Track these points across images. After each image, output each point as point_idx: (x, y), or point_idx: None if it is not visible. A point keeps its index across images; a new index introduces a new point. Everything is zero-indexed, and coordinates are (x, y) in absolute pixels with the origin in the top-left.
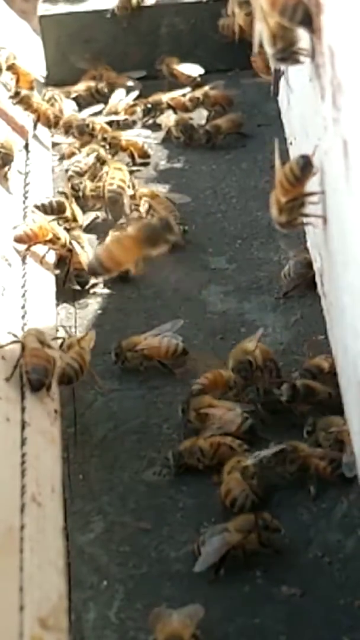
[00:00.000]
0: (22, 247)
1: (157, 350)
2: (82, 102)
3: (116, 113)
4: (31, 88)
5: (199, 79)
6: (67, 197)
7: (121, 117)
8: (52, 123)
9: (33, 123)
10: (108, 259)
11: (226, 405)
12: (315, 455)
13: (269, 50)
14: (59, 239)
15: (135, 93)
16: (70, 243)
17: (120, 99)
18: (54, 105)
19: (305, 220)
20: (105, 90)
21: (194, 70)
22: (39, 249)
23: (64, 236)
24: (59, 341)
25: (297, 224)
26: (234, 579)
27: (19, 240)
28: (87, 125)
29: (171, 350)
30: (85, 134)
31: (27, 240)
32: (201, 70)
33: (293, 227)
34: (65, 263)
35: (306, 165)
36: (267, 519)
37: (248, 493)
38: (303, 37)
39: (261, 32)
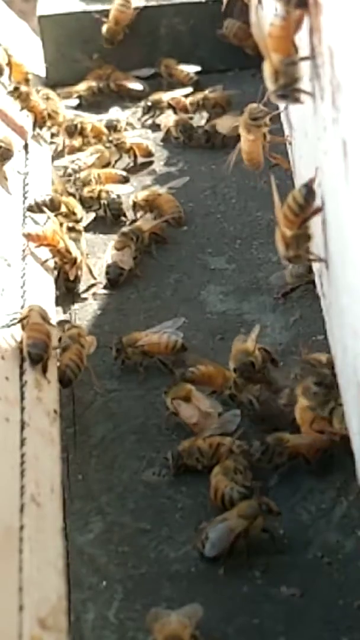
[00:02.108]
0: (26, 244)
1: (157, 346)
2: (83, 103)
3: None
4: (26, 80)
5: (196, 78)
6: (60, 193)
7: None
8: (46, 122)
9: (32, 123)
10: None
11: (199, 401)
12: (302, 443)
13: (270, 86)
14: (69, 252)
15: (131, 110)
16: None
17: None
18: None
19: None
20: (110, 87)
21: (191, 68)
22: (41, 251)
23: (75, 253)
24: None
25: (305, 258)
26: (233, 579)
27: (27, 236)
28: (76, 126)
29: (170, 346)
30: (74, 134)
31: (35, 240)
32: (198, 68)
33: (302, 261)
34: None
35: (309, 193)
36: (268, 503)
37: (233, 486)
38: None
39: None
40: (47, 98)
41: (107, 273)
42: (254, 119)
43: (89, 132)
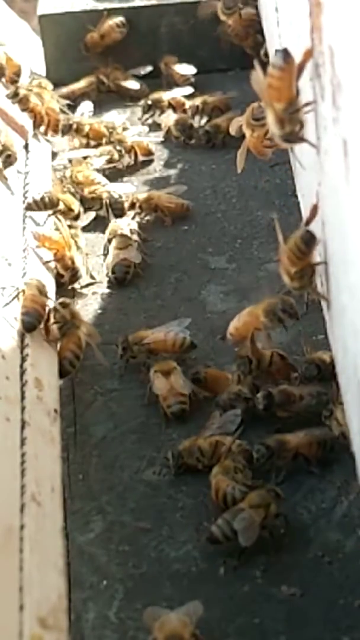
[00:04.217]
0: (26, 243)
1: (164, 344)
2: (85, 100)
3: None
4: (17, 74)
5: (192, 79)
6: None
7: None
8: (48, 123)
9: (32, 123)
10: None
11: (176, 378)
12: (303, 443)
13: (276, 132)
14: (73, 263)
15: (131, 110)
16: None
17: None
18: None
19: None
20: (109, 86)
21: (187, 69)
22: (42, 251)
23: (77, 265)
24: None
25: (311, 287)
26: (233, 579)
27: (34, 234)
28: (71, 125)
29: (179, 343)
30: (70, 133)
31: (39, 240)
32: (194, 70)
33: (307, 289)
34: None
35: (310, 239)
36: (274, 489)
37: (235, 485)
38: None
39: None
40: (40, 86)
41: (113, 272)
42: (256, 118)
43: (87, 133)
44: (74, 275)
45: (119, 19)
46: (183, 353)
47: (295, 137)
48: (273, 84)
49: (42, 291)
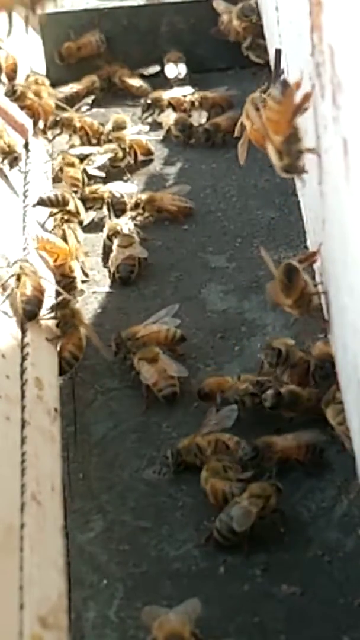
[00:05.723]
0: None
1: (157, 336)
2: (87, 98)
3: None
4: (14, 71)
5: (182, 78)
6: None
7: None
8: (46, 121)
9: (32, 122)
10: None
11: (167, 364)
12: (290, 445)
13: (275, 162)
14: (72, 271)
15: (132, 110)
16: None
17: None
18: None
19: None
20: (115, 80)
21: (176, 71)
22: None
23: (75, 274)
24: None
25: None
26: (233, 578)
27: (38, 240)
28: (57, 121)
29: (170, 336)
30: (57, 126)
31: (39, 242)
32: (185, 71)
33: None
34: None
35: (290, 271)
36: (275, 483)
37: (231, 484)
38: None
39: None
40: (37, 83)
41: (117, 272)
42: (257, 108)
43: (78, 128)
44: (70, 284)
45: (100, 35)
46: (175, 345)
47: (294, 168)
48: (271, 117)
49: (37, 275)
